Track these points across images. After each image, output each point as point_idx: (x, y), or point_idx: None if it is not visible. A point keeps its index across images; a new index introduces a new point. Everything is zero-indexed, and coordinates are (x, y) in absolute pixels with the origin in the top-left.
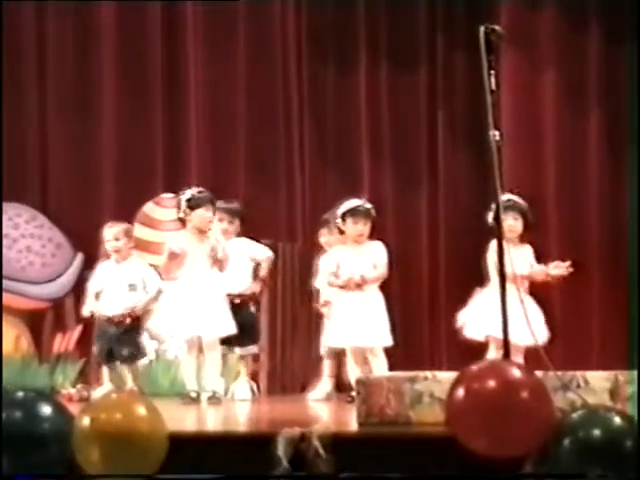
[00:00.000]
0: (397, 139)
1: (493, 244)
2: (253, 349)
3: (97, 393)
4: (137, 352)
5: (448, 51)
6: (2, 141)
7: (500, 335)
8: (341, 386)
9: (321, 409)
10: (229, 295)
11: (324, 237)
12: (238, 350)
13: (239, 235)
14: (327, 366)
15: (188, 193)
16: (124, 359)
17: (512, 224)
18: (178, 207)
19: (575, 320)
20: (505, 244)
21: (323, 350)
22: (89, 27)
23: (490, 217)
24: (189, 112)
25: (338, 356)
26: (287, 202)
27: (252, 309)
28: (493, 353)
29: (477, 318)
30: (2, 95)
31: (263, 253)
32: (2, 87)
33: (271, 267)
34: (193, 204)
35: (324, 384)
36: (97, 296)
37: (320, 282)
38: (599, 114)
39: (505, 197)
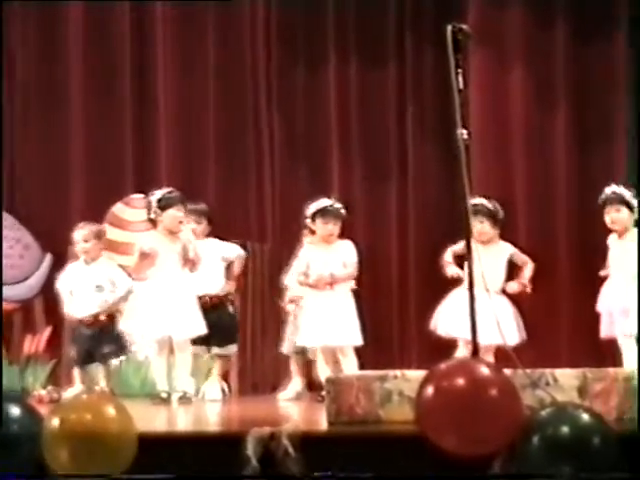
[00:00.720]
0: (366, 137)
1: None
2: (232, 349)
3: (67, 394)
4: (118, 348)
5: (417, 48)
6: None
7: (468, 334)
8: (312, 385)
9: (291, 408)
10: (205, 296)
11: (308, 237)
12: (217, 349)
13: (207, 235)
14: (296, 365)
15: (158, 194)
16: (104, 357)
17: (478, 227)
18: (148, 208)
19: (544, 318)
20: (474, 244)
21: (286, 349)
22: (57, 27)
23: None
24: (158, 112)
25: (308, 356)
26: (257, 202)
27: (230, 309)
28: (463, 352)
29: (448, 317)
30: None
31: (234, 252)
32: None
33: (243, 265)
34: (164, 204)
35: (294, 384)
36: (70, 296)
37: (290, 279)
38: (567, 111)
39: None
